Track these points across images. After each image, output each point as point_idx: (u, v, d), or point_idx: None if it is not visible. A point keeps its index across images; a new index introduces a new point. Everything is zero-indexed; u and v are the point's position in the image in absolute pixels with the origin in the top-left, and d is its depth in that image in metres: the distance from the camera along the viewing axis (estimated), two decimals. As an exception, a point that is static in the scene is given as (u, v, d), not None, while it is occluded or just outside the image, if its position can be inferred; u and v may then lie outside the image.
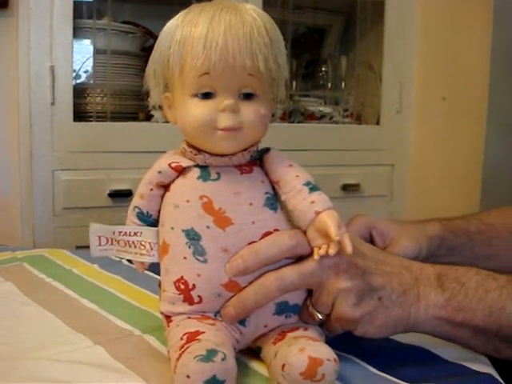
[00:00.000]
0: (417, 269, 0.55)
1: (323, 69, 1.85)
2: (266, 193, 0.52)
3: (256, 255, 0.50)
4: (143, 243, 0.54)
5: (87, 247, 1.35)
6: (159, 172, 0.53)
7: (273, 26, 0.52)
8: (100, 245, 0.55)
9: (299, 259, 0.52)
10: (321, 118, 1.75)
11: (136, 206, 0.55)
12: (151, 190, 0.54)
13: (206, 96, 0.50)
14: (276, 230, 0.52)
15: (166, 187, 0.53)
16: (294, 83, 1.78)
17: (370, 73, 1.80)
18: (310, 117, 1.73)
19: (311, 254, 0.51)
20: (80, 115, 1.45)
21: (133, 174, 1.43)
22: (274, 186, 0.53)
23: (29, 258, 0.91)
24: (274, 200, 0.53)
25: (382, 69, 1.73)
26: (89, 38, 1.48)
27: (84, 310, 0.69)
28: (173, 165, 0.52)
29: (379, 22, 1.73)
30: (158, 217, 0.54)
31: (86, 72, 1.51)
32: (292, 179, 0.52)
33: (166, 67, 0.52)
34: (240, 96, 0.50)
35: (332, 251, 0.48)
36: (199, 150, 0.52)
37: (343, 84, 1.84)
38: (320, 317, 0.52)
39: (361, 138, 1.73)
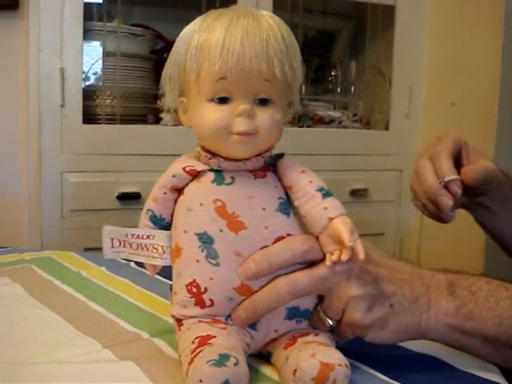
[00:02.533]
0: (428, 276, 0.55)
1: (333, 73, 1.85)
2: (280, 198, 0.52)
3: (268, 259, 0.50)
4: (156, 246, 0.54)
5: (95, 249, 1.35)
6: (173, 176, 0.53)
7: (288, 33, 0.52)
8: (113, 247, 0.55)
9: (311, 264, 0.51)
10: (330, 122, 1.74)
11: (149, 209, 0.55)
12: (165, 193, 0.53)
13: (222, 101, 0.50)
14: (289, 234, 0.51)
15: (179, 191, 0.53)
16: (304, 87, 1.76)
17: (379, 77, 1.79)
18: (319, 121, 1.73)
19: (323, 259, 0.50)
20: (89, 117, 1.45)
21: (141, 176, 1.43)
22: (286, 191, 0.53)
23: (37, 260, 0.91)
24: (287, 205, 0.53)
25: (391, 73, 1.73)
26: (99, 40, 1.48)
27: (92, 312, 0.69)
28: (187, 168, 0.52)
29: (389, 27, 1.72)
30: (171, 220, 0.54)
31: (95, 74, 1.52)
32: (305, 185, 0.52)
33: (182, 72, 0.52)
34: (255, 101, 0.50)
35: (344, 257, 0.48)
36: (214, 155, 0.52)
37: (352, 88, 1.84)
38: (330, 323, 0.52)
39: (370, 142, 1.72)
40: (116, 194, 1.44)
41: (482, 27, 1.52)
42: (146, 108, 1.53)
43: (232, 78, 0.49)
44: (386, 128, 1.76)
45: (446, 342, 0.55)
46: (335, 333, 0.53)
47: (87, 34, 1.43)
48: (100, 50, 1.48)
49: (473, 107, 1.54)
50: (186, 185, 0.53)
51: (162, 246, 0.54)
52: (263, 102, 0.51)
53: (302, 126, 1.69)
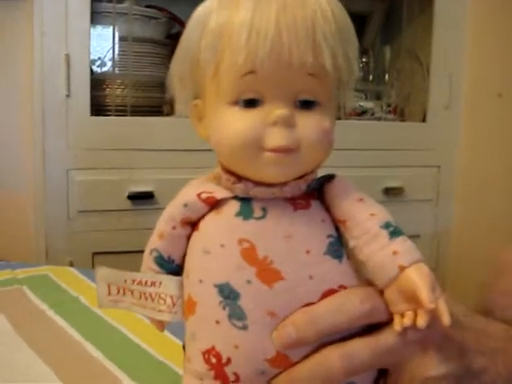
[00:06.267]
0: None
1: (364, 60, 1.72)
2: (329, 236, 0.39)
3: (314, 323, 0.37)
4: (163, 296, 0.42)
5: (104, 253, 1.21)
6: (185, 205, 0.40)
7: (341, 10, 0.38)
8: (110, 294, 0.43)
9: (371, 327, 0.38)
10: (362, 113, 1.61)
11: (154, 249, 0.42)
12: (174, 228, 0.41)
13: (250, 104, 0.37)
14: (341, 286, 0.38)
15: (193, 225, 0.41)
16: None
17: (416, 64, 1.65)
18: (349, 112, 1.59)
19: (390, 321, 0.37)
20: (98, 109, 1.34)
21: (155, 174, 1.34)
22: (338, 225, 0.40)
23: (31, 280, 0.79)
24: (339, 245, 0.39)
25: (429, 59, 1.59)
26: (108, 24, 1.36)
27: (87, 360, 0.56)
28: (203, 196, 0.39)
29: (428, 7, 1.57)
30: (183, 262, 0.42)
31: (104, 61, 1.41)
32: (365, 219, 0.39)
33: (195, 66, 0.39)
34: (296, 104, 0.37)
35: (422, 322, 0.35)
36: (239, 178, 0.39)
37: (386, 76, 1.71)
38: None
39: (405, 136, 1.59)
40: (127, 194, 1.33)
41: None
42: (160, 98, 1.41)
43: (264, 73, 0.36)
44: (423, 120, 1.62)
45: None
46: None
47: (95, 17, 1.31)
48: (109, 35, 1.36)
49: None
50: (203, 217, 0.40)
51: (171, 296, 0.41)
52: (307, 105, 0.37)
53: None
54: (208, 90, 0.39)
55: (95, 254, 1.33)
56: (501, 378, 0.39)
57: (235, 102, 0.37)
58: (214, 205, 0.39)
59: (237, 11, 0.36)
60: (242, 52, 0.35)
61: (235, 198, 0.39)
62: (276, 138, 0.36)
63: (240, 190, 0.39)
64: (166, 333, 0.62)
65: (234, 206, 0.39)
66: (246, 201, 0.39)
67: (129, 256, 1.22)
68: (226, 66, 0.36)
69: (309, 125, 0.37)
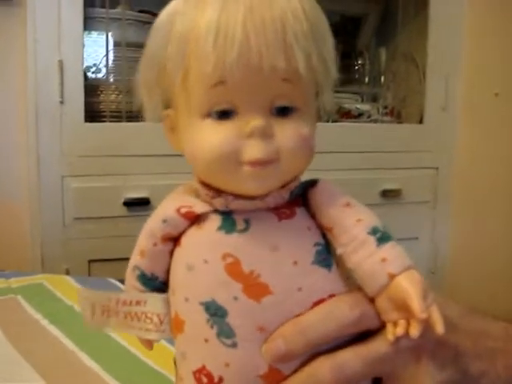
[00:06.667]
0: None
1: (359, 62, 1.72)
2: (316, 244, 0.37)
3: (303, 333, 0.35)
4: (149, 315, 0.40)
5: (100, 261, 1.19)
6: (164, 221, 0.38)
7: (313, 6, 0.36)
8: (94, 316, 0.41)
9: (362, 335, 0.37)
10: (358, 116, 1.59)
11: (136, 266, 0.40)
12: (155, 244, 0.39)
13: (224, 115, 0.35)
14: (332, 295, 0.37)
15: (175, 240, 0.39)
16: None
17: (411, 66, 1.64)
18: (346, 115, 1.58)
19: (381, 327, 0.36)
20: (92, 115, 1.32)
21: (151, 180, 1.33)
22: (324, 232, 0.38)
23: (25, 289, 0.78)
24: (327, 253, 0.37)
25: (425, 61, 1.58)
26: (102, 30, 1.35)
27: (83, 371, 0.55)
28: (182, 210, 0.37)
29: (423, 9, 1.56)
30: (167, 278, 0.40)
31: (98, 67, 1.40)
32: (352, 225, 0.37)
33: (162, 73, 0.37)
34: (273, 112, 0.35)
35: (415, 332, 0.34)
36: (218, 191, 0.37)
37: (382, 78, 1.70)
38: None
39: (402, 138, 1.57)
40: (123, 200, 1.31)
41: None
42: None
43: (234, 81, 0.33)
44: (420, 122, 1.60)
45: None
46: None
47: (88, 23, 1.30)
48: (103, 40, 1.35)
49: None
50: (184, 232, 0.38)
51: (158, 315, 0.39)
52: (283, 112, 0.35)
53: (327, 121, 1.53)
54: (178, 99, 0.37)
55: (91, 261, 1.31)
56: (501, 380, 0.38)
57: (207, 114, 0.35)
58: (195, 219, 0.38)
59: (202, 14, 0.33)
60: (209, 59, 0.33)
61: (216, 211, 0.37)
62: (253, 150, 0.34)
63: (220, 203, 0.37)
64: (162, 342, 0.60)
65: (215, 220, 0.37)
66: (227, 214, 0.37)
67: (125, 263, 1.20)
68: (195, 76, 0.34)
69: (287, 133, 0.35)
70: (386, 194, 1.54)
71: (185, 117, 0.37)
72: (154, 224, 0.39)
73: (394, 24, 1.63)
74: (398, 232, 0.38)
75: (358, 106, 1.61)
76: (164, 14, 0.37)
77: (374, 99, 1.71)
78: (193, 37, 0.34)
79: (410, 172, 1.58)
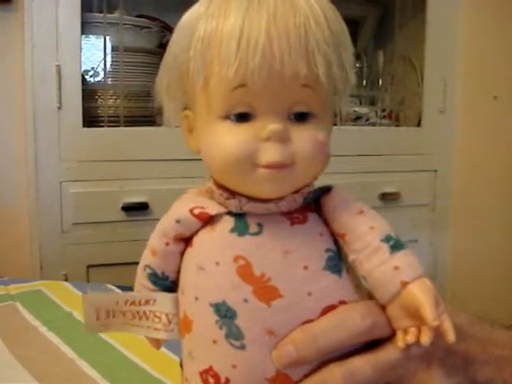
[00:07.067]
0: None
1: (357, 65, 1.70)
2: (327, 250, 0.38)
3: (314, 341, 0.35)
4: (158, 314, 0.40)
5: (99, 266, 1.19)
6: (177, 221, 0.38)
7: (335, 15, 0.37)
8: (98, 319, 0.41)
9: (373, 342, 0.37)
10: (356, 119, 1.59)
11: (147, 265, 0.41)
12: (167, 244, 0.39)
13: (242, 118, 0.35)
14: (342, 302, 0.37)
15: (187, 240, 0.39)
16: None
17: (409, 68, 1.64)
18: (344, 118, 1.57)
19: (392, 336, 0.36)
20: (90, 120, 1.32)
21: (149, 184, 1.33)
22: (336, 238, 0.38)
23: (23, 296, 0.78)
24: (338, 259, 0.38)
25: (423, 64, 1.58)
26: (99, 34, 1.35)
27: (82, 379, 0.55)
28: (196, 211, 0.38)
29: (421, 12, 1.56)
30: (177, 279, 0.40)
31: (96, 72, 1.38)
32: (365, 232, 0.37)
33: (184, 76, 0.38)
34: (290, 117, 0.36)
35: (426, 339, 0.34)
36: (232, 193, 0.37)
37: (380, 81, 1.69)
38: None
39: (400, 141, 1.57)
40: (121, 205, 1.31)
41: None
42: (153, 108, 1.37)
43: (255, 86, 0.34)
44: (418, 124, 1.60)
45: None
46: None
47: (86, 27, 1.29)
48: (101, 45, 1.34)
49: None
50: (196, 232, 0.39)
51: (167, 314, 0.40)
52: (301, 118, 0.36)
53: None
54: (198, 101, 0.37)
55: (90, 266, 1.31)
56: None
57: (226, 116, 0.36)
58: (208, 221, 0.38)
59: (226, 19, 0.34)
60: (231, 64, 0.33)
61: (229, 213, 0.38)
62: (270, 153, 0.35)
63: (234, 205, 0.37)
64: (163, 349, 0.60)
65: (228, 222, 0.37)
66: (240, 216, 0.37)
67: (124, 268, 1.20)
68: (216, 79, 0.35)
69: (303, 138, 0.35)
70: (385, 197, 1.54)
71: (203, 118, 0.37)
72: (166, 224, 0.39)
73: (392, 27, 1.63)
74: (397, 235, 0.38)
75: (357, 109, 1.61)
76: (187, 17, 0.38)
77: (372, 102, 1.71)
78: (216, 40, 0.34)
79: (408, 175, 1.58)
